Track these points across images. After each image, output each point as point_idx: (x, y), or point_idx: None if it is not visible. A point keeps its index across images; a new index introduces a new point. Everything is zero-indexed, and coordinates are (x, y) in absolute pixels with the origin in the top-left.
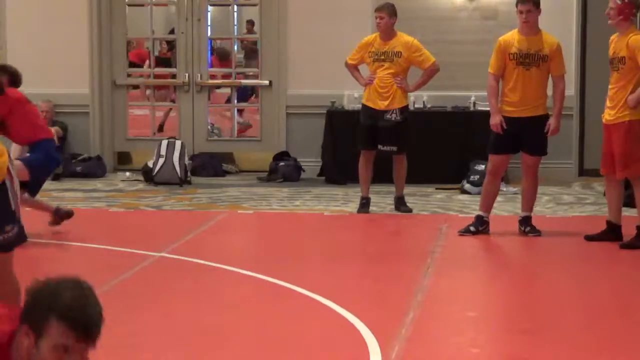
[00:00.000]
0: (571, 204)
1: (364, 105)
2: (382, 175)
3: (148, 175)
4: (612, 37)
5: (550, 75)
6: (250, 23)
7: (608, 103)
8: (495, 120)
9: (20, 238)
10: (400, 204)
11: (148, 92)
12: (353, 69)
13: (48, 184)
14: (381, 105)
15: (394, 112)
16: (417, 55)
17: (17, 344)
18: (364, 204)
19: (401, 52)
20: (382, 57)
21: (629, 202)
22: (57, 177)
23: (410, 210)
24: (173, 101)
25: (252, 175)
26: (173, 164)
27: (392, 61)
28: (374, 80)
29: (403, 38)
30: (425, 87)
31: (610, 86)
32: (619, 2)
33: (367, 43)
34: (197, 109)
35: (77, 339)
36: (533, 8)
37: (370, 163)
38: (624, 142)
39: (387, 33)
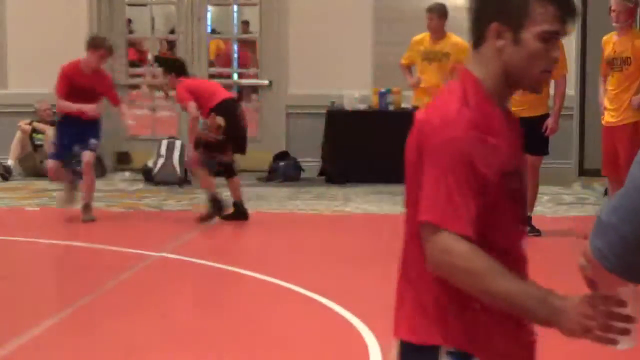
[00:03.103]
0: (571, 204)
1: (414, 107)
2: (380, 175)
3: (148, 175)
4: (606, 38)
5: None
6: (246, 23)
7: (609, 105)
8: None
9: None
10: None
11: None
12: (405, 69)
13: (48, 184)
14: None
15: None
16: (465, 57)
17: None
18: None
19: (449, 53)
20: (431, 57)
21: None
22: None
23: None
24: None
25: (252, 175)
26: (173, 164)
27: (440, 61)
28: (421, 82)
29: (453, 39)
30: None
31: (610, 87)
32: (630, 5)
33: (417, 41)
34: None
35: (562, 22)
36: None
37: None
38: (630, 144)
39: (438, 33)
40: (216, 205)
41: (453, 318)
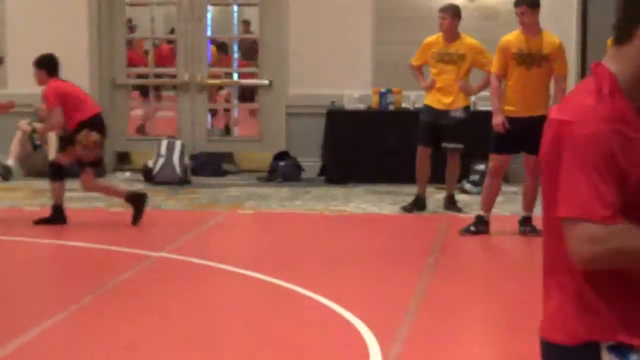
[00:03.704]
0: None
1: (426, 105)
2: (384, 175)
3: (148, 175)
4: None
5: (552, 75)
6: (247, 23)
7: None
8: (497, 120)
9: None
10: (451, 203)
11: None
12: (416, 70)
13: (48, 184)
14: (444, 103)
15: (458, 109)
16: (481, 57)
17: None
18: (416, 202)
19: (465, 55)
20: (446, 59)
21: None
22: None
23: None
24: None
25: (252, 175)
26: (173, 164)
27: (455, 63)
28: (436, 83)
29: (467, 40)
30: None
31: None
32: None
33: (430, 43)
34: (196, 108)
35: None
36: (526, 9)
37: (429, 160)
38: None
39: (451, 34)
40: (58, 213)
41: (606, 311)
